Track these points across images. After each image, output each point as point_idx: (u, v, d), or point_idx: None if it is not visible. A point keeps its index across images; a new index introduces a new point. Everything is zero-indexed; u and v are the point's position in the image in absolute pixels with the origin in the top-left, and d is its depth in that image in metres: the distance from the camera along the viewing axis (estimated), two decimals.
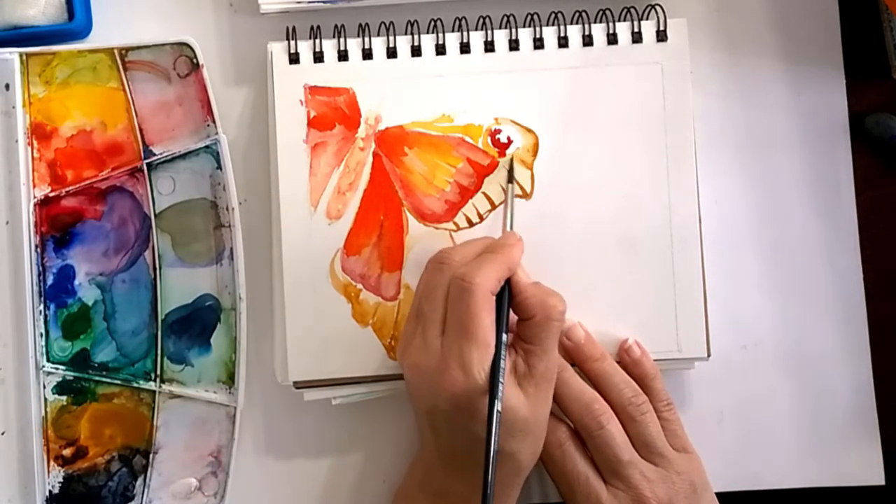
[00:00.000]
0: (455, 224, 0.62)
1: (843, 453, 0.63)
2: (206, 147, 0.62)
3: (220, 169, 0.62)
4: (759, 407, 0.63)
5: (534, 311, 0.55)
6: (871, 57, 0.65)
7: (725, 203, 0.64)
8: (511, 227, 0.60)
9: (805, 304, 0.64)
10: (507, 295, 0.56)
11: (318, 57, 0.62)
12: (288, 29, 0.62)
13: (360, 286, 0.61)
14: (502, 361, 0.53)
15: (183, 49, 0.62)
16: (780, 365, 0.64)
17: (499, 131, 0.62)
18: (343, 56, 0.62)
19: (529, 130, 0.62)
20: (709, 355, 0.61)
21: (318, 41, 0.62)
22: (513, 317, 0.56)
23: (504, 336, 0.54)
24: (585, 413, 0.57)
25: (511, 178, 0.61)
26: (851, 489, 0.63)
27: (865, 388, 0.63)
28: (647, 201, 0.61)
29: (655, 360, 0.60)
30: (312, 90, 0.62)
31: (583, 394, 0.58)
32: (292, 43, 0.62)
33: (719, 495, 0.59)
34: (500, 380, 0.53)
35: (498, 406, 0.52)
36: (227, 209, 0.62)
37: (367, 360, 0.61)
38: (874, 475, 0.63)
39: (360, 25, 0.62)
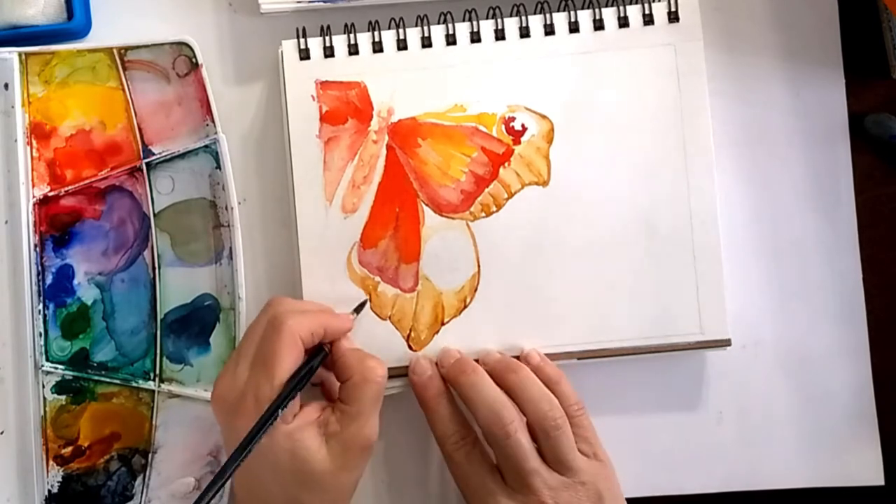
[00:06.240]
0: (472, 213, 0.61)
1: (842, 453, 0.63)
2: (206, 146, 0.62)
3: (220, 168, 0.62)
4: (759, 407, 0.63)
5: (351, 371, 0.56)
6: (871, 57, 0.65)
7: (725, 203, 0.63)
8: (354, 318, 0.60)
9: (805, 303, 0.64)
10: (322, 356, 0.57)
11: (329, 52, 0.62)
12: (298, 29, 0.62)
13: (377, 279, 0.61)
14: (285, 402, 0.54)
15: (182, 48, 0.62)
16: (780, 365, 0.64)
17: (513, 119, 0.62)
18: (353, 50, 0.62)
19: (544, 117, 0.62)
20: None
21: (328, 37, 0.62)
22: None
23: (299, 384, 0.55)
24: (494, 421, 0.57)
25: (357, 310, 0.61)
26: (851, 489, 0.63)
27: (865, 388, 0.63)
28: (664, 182, 0.61)
29: (678, 343, 0.60)
30: (324, 85, 0.62)
31: (494, 401, 0.58)
32: (302, 40, 0.62)
33: (720, 495, 0.59)
34: (271, 421, 0.53)
35: (260, 437, 0.53)
36: (227, 209, 0.62)
37: (386, 354, 0.60)
38: (874, 475, 0.63)
39: (370, 22, 0.62)
